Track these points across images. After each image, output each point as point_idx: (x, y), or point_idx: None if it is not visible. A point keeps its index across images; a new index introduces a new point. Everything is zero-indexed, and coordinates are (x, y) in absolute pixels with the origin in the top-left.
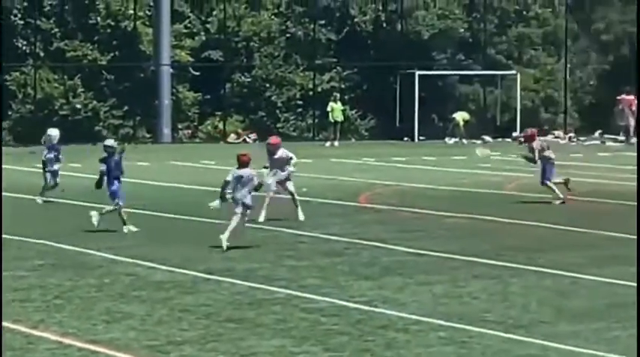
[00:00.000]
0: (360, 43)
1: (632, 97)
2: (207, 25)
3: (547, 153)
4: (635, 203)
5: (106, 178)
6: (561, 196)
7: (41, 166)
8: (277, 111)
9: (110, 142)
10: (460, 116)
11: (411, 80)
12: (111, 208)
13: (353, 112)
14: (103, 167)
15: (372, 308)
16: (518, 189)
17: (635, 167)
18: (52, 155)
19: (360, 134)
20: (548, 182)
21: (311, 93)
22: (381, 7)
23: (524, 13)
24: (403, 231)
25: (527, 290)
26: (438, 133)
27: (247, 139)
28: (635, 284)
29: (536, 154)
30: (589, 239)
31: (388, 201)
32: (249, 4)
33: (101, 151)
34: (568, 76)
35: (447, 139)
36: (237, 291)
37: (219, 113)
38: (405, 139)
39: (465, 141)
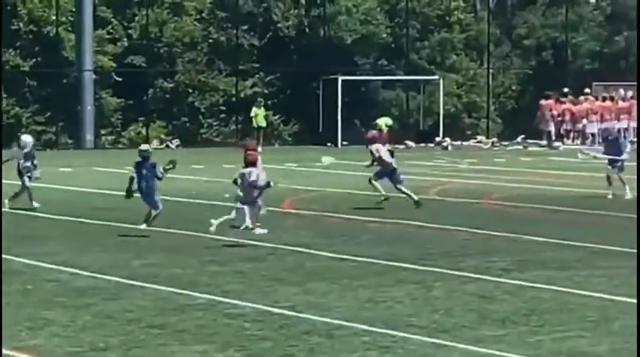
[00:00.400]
0: (283, 49)
1: (551, 101)
2: (130, 31)
3: (385, 158)
4: (553, 207)
5: (137, 183)
6: (384, 193)
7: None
8: (200, 116)
9: (145, 146)
10: (383, 121)
11: (333, 85)
12: (155, 213)
13: (276, 117)
14: (133, 173)
15: (295, 313)
16: (441, 194)
17: (560, 172)
18: (28, 163)
19: (284, 139)
20: (398, 187)
21: (234, 99)
22: (303, 13)
23: (447, 18)
24: (327, 236)
25: (450, 295)
26: (361, 139)
27: (170, 145)
28: (554, 287)
29: (375, 156)
30: (512, 243)
31: (311, 206)
32: (172, 10)
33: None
34: (490, 81)
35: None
36: (160, 297)
37: (142, 119)
38: (329, 144)
39: (387, 146)
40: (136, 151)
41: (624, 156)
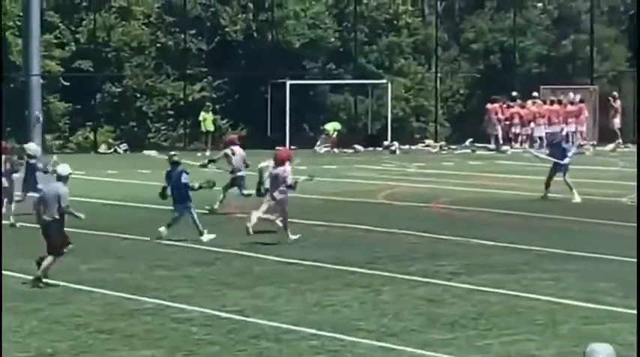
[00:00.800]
0: (231, 53)
1: (497, 105)
2: (78, 36)
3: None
4: (501, 211)
5: (169, 190)
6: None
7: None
8: (148, 121)
9: (172, 152)
10: (332, 126)
11: (282, 90)
12: (174, 221)
13: (224, 121)
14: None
15: (243, 318)
16: (390, 197)
17: (508, 175)
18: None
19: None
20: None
21: (182, 103)
22: (251, 17)
23: (395, 22)
24: (274, 240)
25: (399, 298)
26: (309, 143)
27: (118, 150)
28: (502, 291)
29: (232, 161)
30: (460, 247)
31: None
32: (120, 14)
33: None
34: (438, 85)
35: (317, 149)
36: (108, 301)
37: (89, 124)
38: (277, 148)
39: (335, 150)
40: (84, 156)
41: (566, 160)
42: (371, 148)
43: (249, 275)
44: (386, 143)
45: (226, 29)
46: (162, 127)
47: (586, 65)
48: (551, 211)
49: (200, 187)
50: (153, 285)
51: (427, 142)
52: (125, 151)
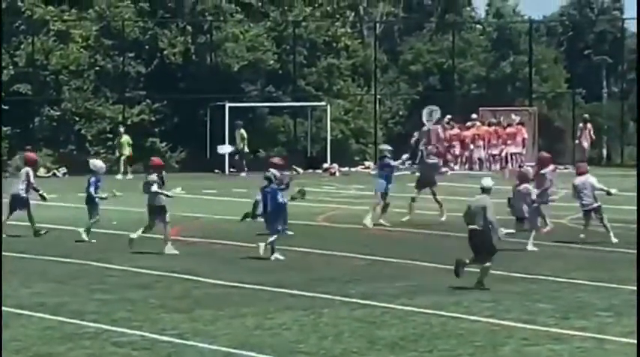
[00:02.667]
0: (170, 76)
1: (438, 126)
2: (16, 59)
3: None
4: (440, 232)
5: (261, 206)
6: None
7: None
8: (87, 144)
9: (269, 173)
10: (242, 135)
11: (221, 112)
12: (273, 238)
13: (163, 144)
14: (259, 196)
15: (183, 341)
16: (329, 220)
17: (447, 197)
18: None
19: (171, 166)
20: None
21: (121, 126)
22: (190, 40)
23: (334, 44)
24: (215, 263)
25: (339, 321)
26: (249, 165)
27: (57, 173)
28: (442, 313)
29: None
30: (400, 269)
31: (200, 233)
32: (58, 38)
33: None
34: (378, 107)
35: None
36: (47, 326)
37: (28, 147)
38: (216, 171)
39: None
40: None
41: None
42: (310, 171)
43: (188, 299)
44: (325, 165)
45: (165, 52)
46: (102, 151)
47: (525, 86)
48: None
49: (293, 198)
50: (92, 309)
51: (367, 163)
52: (64, 174)
